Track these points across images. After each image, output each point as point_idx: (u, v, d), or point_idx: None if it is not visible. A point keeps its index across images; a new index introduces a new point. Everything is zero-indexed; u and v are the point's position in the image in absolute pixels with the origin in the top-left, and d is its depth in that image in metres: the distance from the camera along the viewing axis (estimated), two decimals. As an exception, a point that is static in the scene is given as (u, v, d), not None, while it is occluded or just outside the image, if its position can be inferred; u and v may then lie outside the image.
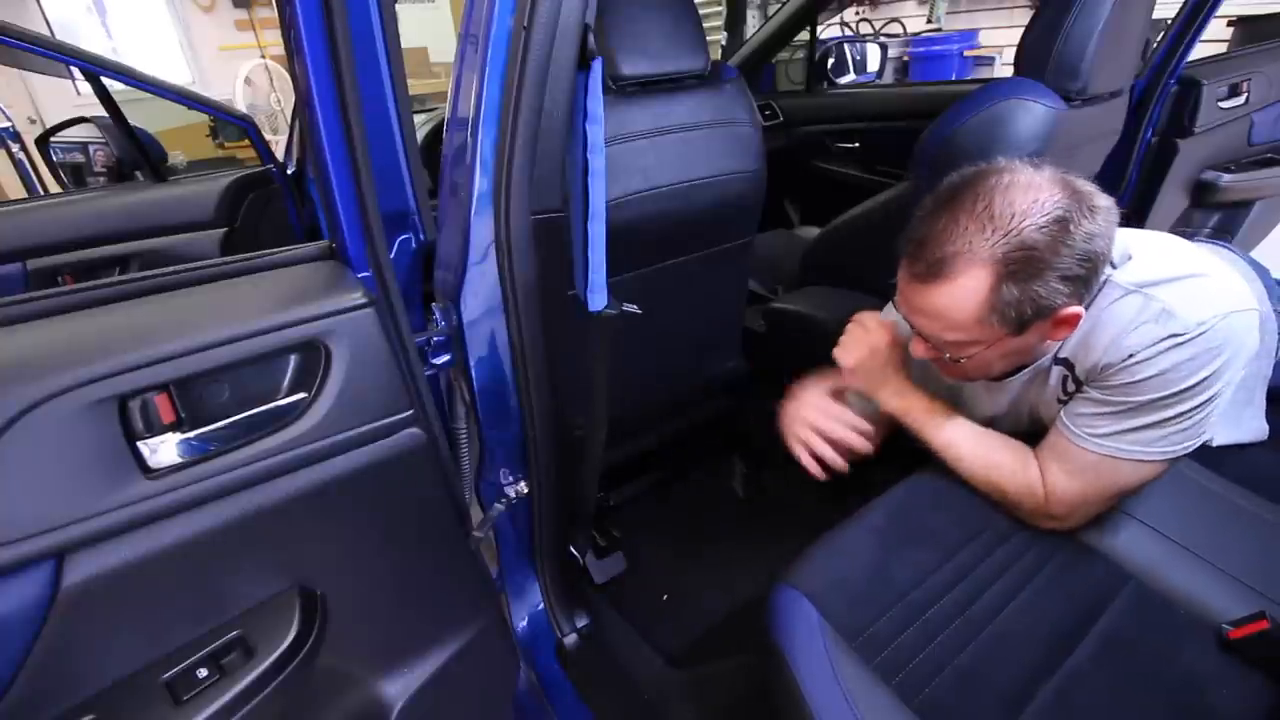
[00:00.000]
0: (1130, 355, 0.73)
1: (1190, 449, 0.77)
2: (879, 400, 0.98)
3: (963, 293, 0.73)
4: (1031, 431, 0.91)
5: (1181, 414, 0.74)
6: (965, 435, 0.92)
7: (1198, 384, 0.72)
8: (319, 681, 0.68)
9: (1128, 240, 0.80)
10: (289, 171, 1.69)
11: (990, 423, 0.97)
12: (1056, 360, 0.83)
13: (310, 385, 0.60)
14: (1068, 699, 0.69)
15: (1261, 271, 1.00)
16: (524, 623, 1.09)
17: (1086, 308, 0.77)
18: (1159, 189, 1.64)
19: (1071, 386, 0.83)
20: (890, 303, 1.04)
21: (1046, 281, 0.70)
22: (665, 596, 1.26)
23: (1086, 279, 0.71)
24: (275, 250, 0.66)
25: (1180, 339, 0.71)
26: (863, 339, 1.00)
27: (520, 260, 0.76)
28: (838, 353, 1.01)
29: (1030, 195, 0.70)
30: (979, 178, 0.73)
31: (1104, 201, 0.72)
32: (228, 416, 0.57)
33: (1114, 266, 0.77)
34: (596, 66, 0.69)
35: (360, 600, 0.72)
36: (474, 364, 0.83)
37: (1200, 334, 0.70)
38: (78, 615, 0.52)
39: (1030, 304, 0.71)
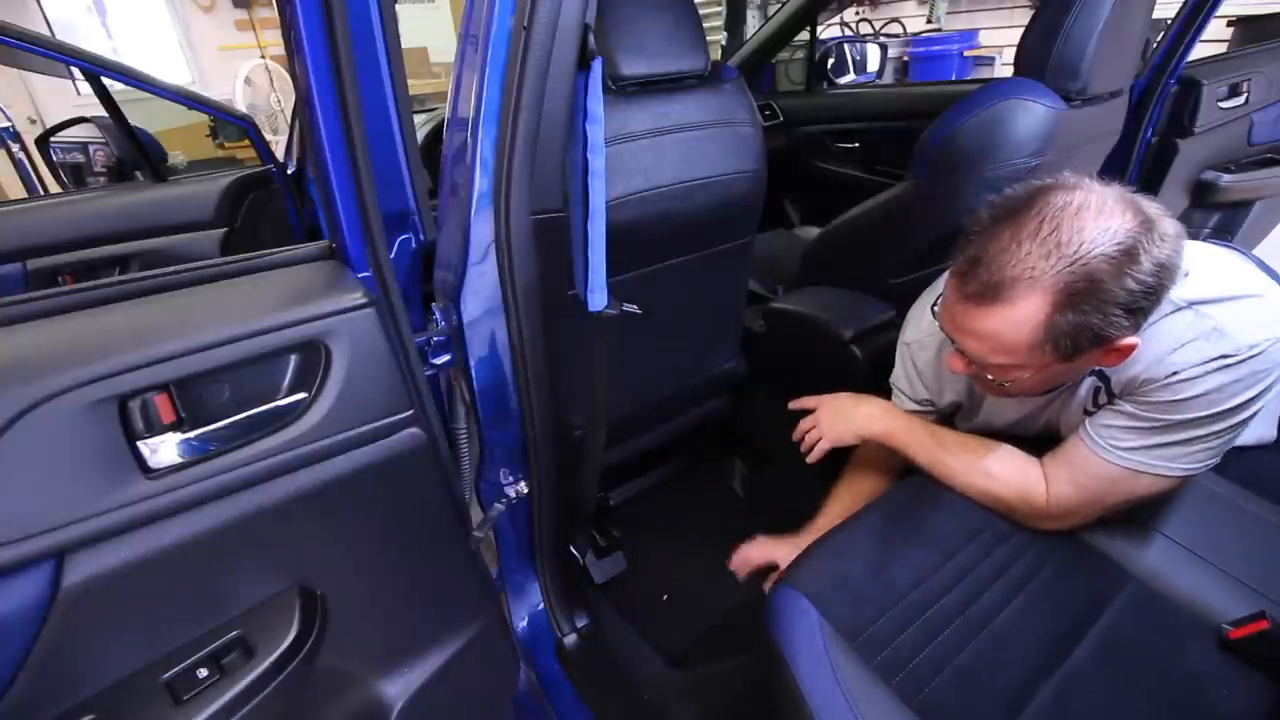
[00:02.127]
0: (1175, 373, 0.71)
1: (1211, 466, 0.76)
2: (862, 435, 0.99)
3: (1018, 319, 0.68)
4: (1041, 437, 0.90)
5: (1214, 433, 0.72)
6: (950, 448, 0.92)
7: (1239, 406, 0.70)
8: (319, 681, 0.68)
9: (1185, 254, 0.75)
10: (289, 171, 1.69)
11: (1005, 431, 0.96)
12: (1092, 371, 0.80)
13: (310, 385, 0.60)
14: (1067, 699, 0.69)
15: (1272, 274, 0.99)
16: (524, 623, 1.09)
17: None
18: (1159, 189, 1.64)
19: (1103, 399, 0.81)
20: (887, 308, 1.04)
21: (1107, 313, 0.65)
22: (665, 596, 1.26)
23: (1148, 310, 0.67)
24: (275, 250, 0.66)
25: (1230, 360, 0.68)
26: (819, 414, 1.03)
27: (520, 260, 0.76)
28: (821, 442, 1.02)
29: (1102, 222, 0.65)
30: (1045, 195, 0.68)
31: (1173, 228, 0.67)
32: (228, 416, 0.57)
33: None
34: (596, 66, 0.69)
35: (360, 600, 0.72)
36: (474, 364, 0.82)
37: (1251, 356, 0.68)
38: (78, 615, 0.52)
39: (1087, 334, 0.67)
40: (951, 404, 1.01)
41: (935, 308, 0.82)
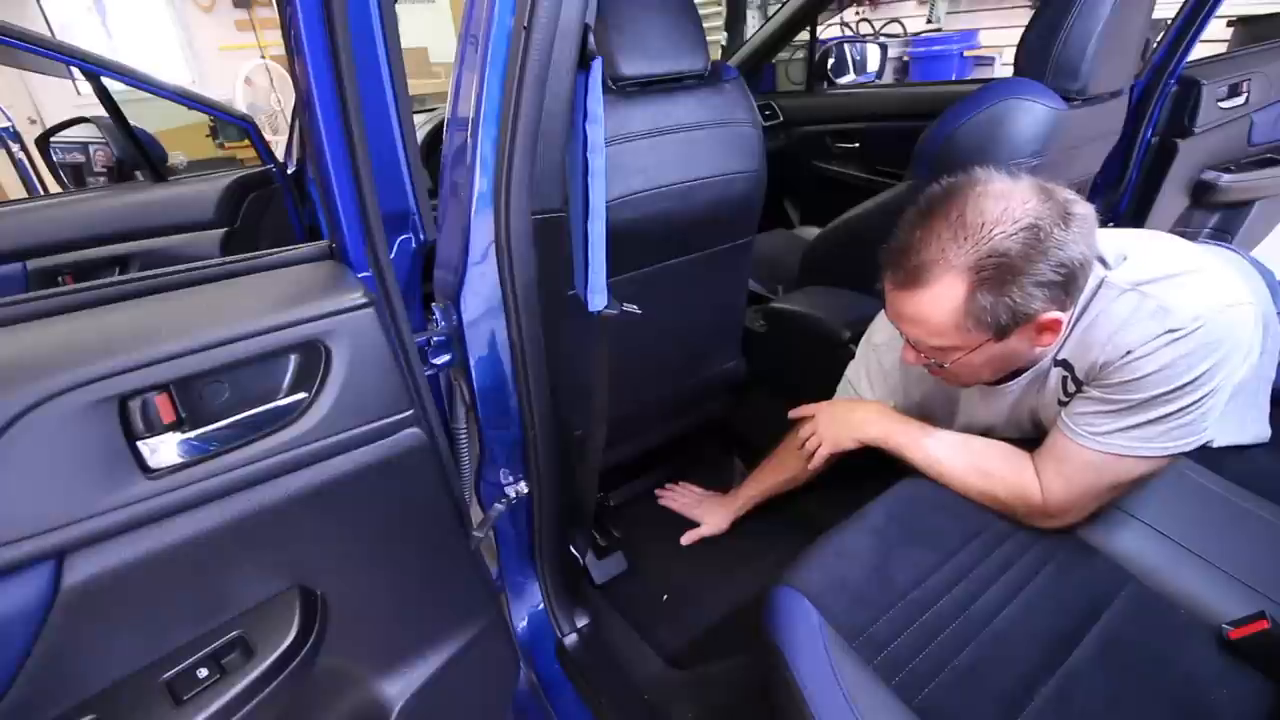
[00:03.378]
0: (1128, 352, 0.74)
1: (1192, 445, 0.78)
2: (860, 440, 1.01)
3: (939, 299, 0.74)
4: (1035, 437, 0.91)
5: (1182, 409, 0.74)
6: (947, 448, 0.93)
7: (1197, 378, 0.72)
8: (319, 681, 0.68)
9: (1123, 240, 0.80)
10: (289, 171, 1.69)
11: (990, 430, 0.97)
12: (1056, 362, 0.83)
13: (310, 385, 0.60)
14: (1067, 699, 0.69)
15: (1265, 272, 1.00)
16: (524, 623, 1.09)
17: (1081, 311, 0.78)
18: (1159, 189, 1.64)
19: (1072, 387, 0.83)
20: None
21: (1022, 288, 0.71)
22: (665, 596, 1.26)
23: (1064, 285, 0.72)
24: (275, 250, 0.66)
25: (1177, 334, 0.71)
26: (817, 421, 1.06)
27: (520, 260, 0.76)
28: (821, 448, 1.05)
29: (1001, 204, 0.71)
30: (957, 188, 0.75)
31: (1081, 209, 0.72)
32: (228, 416, 0.57)
33: (1109, 267, 0.78)
34: (596, 66, 0.69)
35: (360, 600, 0.72)
36: (474, 364, 0.83)
37: (1197, 328, 0.70)
38: (78, 615, 0.52)
39: (1006, 310, 0.72)
40: (918, 407, 1.03)
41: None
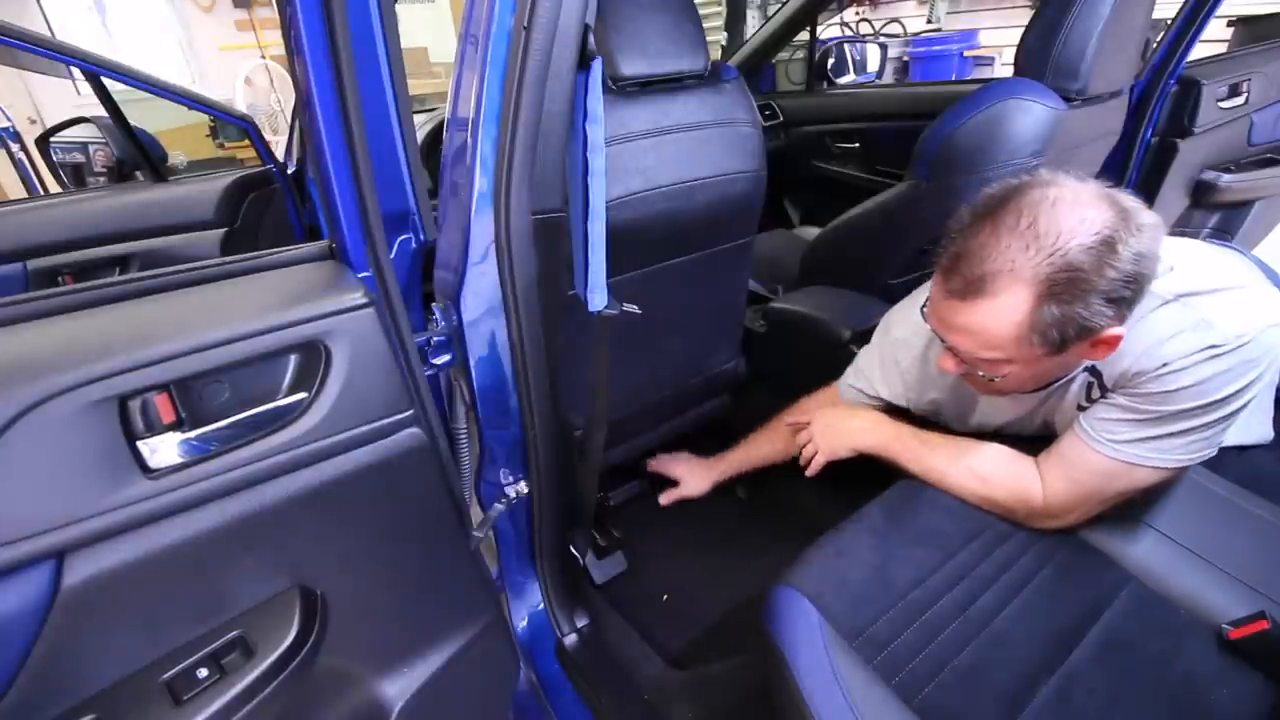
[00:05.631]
0: (1165, 364, 0.72)
1: (1205, 458, 0.77)
2: (855, 449, 1.01)
3: (1002, 312, 0.69)
4: (1038, 436, 0.91)
5: (1208, 424, 0.73)
6: (943, 457, 0.92)
7: (1230, 396, 0.71)
8: (319, 681, 0.68)
9: (1168, 250, 0.76)
10: (289, 171, 1.69)
11: (1000, 431, 0.96)
12: (1085, 368, 0.82)
13: (310, 385, 0.60)
14: (1068, 699, 0.69)
15: (1270, 273, 1.00)
16: (524, 623, 1.09)
17: None
18: (1159, 189, 1.64)
19: (1096, 393, 0.81)
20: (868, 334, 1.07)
21: (1090, 303, 0.66)
22: (665, 596, 1.26)
23: (1131, 300, 0.68)
24: (275, 250, 0.66)
25: (1218, 350, 0.69)
26: (813, 429, 1.06)
27: (520, 260, 0.76)
28: (819, 457, 1.05)
29: (1078, 214, 0.66)
30: (1022, 191, 0.70)
31: (1150, 219, 0.68)
32: (228, 416, 0.57)
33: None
34: (596, 66, 0.69)
35: (360, 600, 0.72)
36: (474, 364, 0.82)
37: (1239, 346, 0.69)
38: (78, 615, 0.52)
39: (1072, 325, 0.68)
40: (930, 405, 1.02)
41: (925, 309, 0.83)
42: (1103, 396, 0.81)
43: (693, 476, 1.34)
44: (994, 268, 0.68)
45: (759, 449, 1.27)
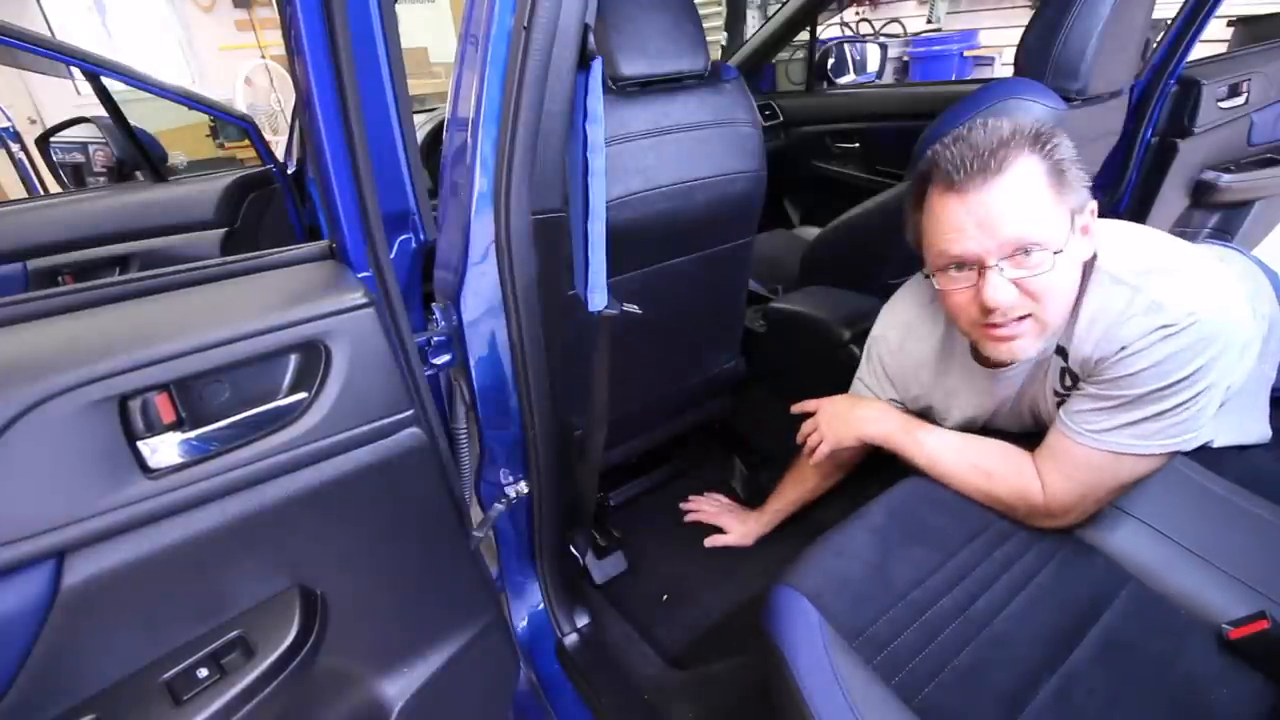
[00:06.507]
0: (1123, 348, 0.74)
1: (1189, 443, 0.78)
2: (861, 438, 1.01)
3: (1024, 178, 0.74)
4: (1035, 431, 0.91)
5: (1178, 405, 0.75)
6: (948, 448, 0.93)
7: (1192, 374, 0.72)
8: (319, 681, 0.68)
9: (1111, 230, 0.81)
10: (289, 171, 1.69)
11: (990, 423, 0.97)
12: (1056, 350, 0.84)
13: (310, 385, 0.60)
14: (1068, 699, 0.69)
15: (1269, 273, 1.00)
16: (524, 623, 1.09)
17: (1079, 297, 0.78)
18: (1159, 189, 1.64)
19: (1069, 380, 0.83)
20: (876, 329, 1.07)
21: (1073, 164, 0.75)
22: (665, 596, 1.26)
23: (1081, 190, 0.77)
24: (275, 250, 0.66)
25: (1170, 330, 0.71)
26: (819, 417, 1.06)
27: (520, 260, 0.76)
28: (823, 446, 1.05)
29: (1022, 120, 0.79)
30: (975, 123, 0.80)
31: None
32: (228, 416, 0.57)
33: (1099, 255, 0.79)
34: (596, 66, 0.69)
35: (360, 600, 0.72)
36: (474, 364, 0.83)
37: (1191, 324, 0.71)
38: (78, 615, 0.52)
39: (1072, 190, 0.75)
40: (915, 401, 1.03)
41: (926, 273, 0.86)
42: (1074, 385, 0.83)
43: (742, 526, 1.32)
44: (993, 145, 0.75)
45: (794, 491, 1.26)
